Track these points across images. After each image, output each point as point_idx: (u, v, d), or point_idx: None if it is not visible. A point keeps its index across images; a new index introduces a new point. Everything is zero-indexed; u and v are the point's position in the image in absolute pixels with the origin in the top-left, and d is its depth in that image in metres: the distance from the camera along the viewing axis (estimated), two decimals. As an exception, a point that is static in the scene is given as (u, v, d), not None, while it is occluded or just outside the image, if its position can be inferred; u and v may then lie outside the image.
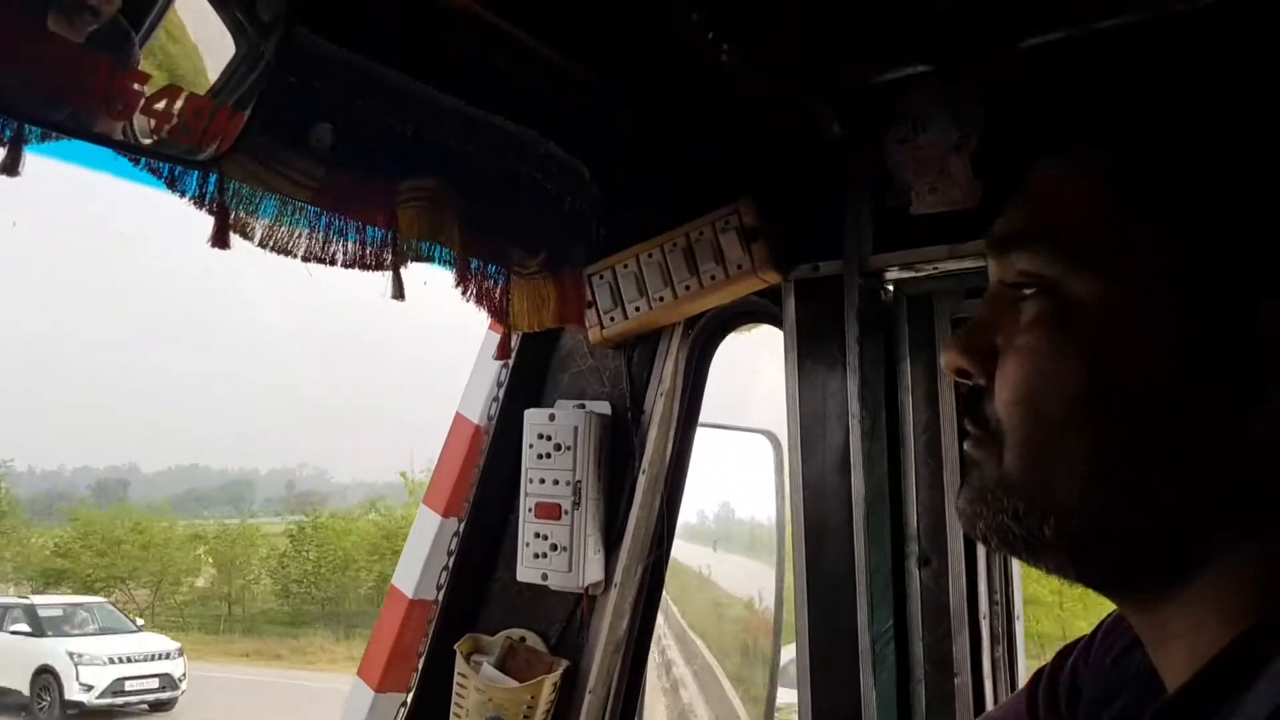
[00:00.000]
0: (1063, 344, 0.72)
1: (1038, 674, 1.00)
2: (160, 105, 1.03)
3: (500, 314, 1.51)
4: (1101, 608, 0.88)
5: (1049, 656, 0.99)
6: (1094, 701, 0.89)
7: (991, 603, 1.54)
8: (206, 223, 1.14)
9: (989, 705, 1.51)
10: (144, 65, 1.03)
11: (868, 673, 1.54)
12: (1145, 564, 0.72)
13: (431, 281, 1.43)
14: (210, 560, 31.82)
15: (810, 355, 1.68)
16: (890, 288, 1.65)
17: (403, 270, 1.31)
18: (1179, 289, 0.69)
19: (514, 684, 1.72)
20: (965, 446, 0.80)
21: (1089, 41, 1.32)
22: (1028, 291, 0.75)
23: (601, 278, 1.77)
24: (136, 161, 1.08)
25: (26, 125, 0.96)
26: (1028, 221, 0.77)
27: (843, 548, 1.61)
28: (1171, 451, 0.69)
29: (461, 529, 1.89)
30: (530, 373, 1.91)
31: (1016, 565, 1.58)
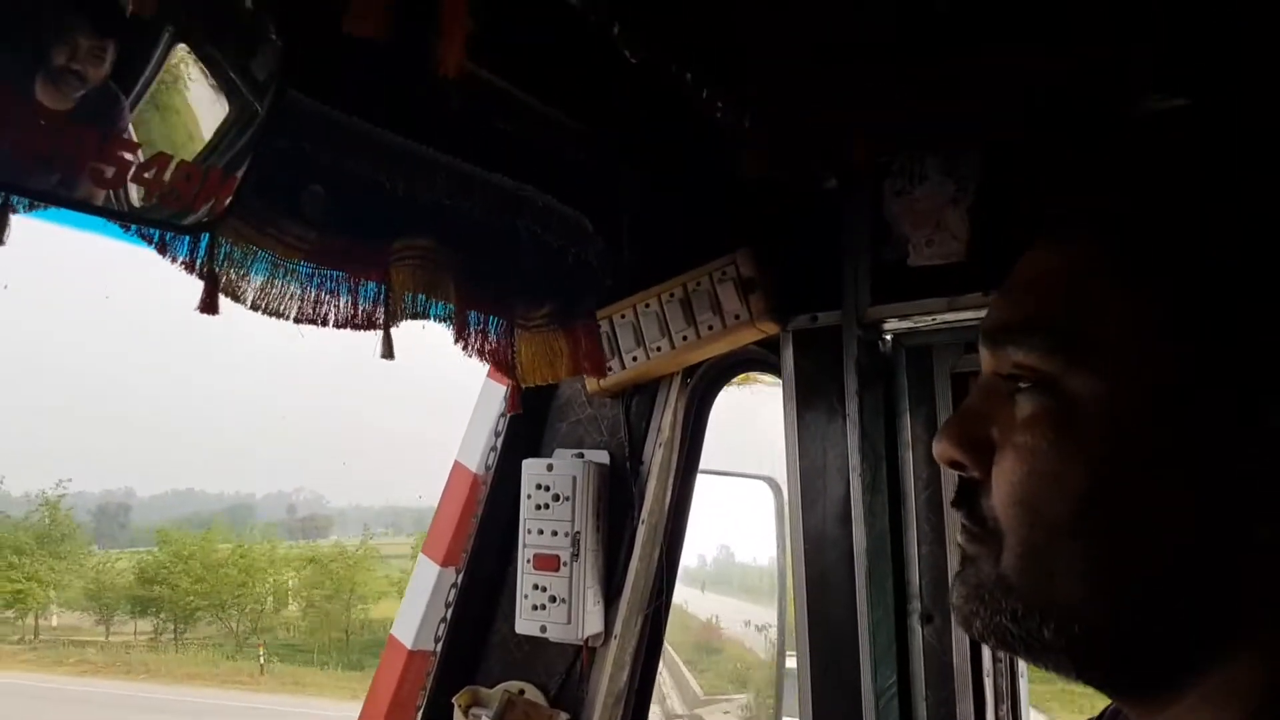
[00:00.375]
0: (1064, 445, 0.68)
1: None
2: (150, 174, 1.02)
3: (506, 368, 1.50)
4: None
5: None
6: None
7: (995, 660, 1.52)
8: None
9: (994, 766, 1.48)
10: (134, 132, 1.03)
11: (870, 731, 1.51)
12: (1149, 668, 0.70)
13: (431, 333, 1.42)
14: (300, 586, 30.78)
15: (809, 406, 1.67)
16: (889, 339, 1.64)
17: (394, 329, 1.30)
18: (1183, 381, 0.67)
19: (512, 741, 1.70)
20: (960, 540, 0.77)
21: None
22: (1024, 385, 0.71)
23: (600, 328, 1.76)
24: (127, 228, 1.07)
25: (13, 196, 0.95)
26: (1022, 312, 0.73)
27: (845, 602, 1.59)
28: (1174, 551, 0.67)
29: (460, 580, 1.87)
30: (528, 422, 1.90)
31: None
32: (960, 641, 1.51)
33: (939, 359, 1.59)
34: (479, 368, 1.96)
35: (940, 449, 0.77)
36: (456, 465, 2.07)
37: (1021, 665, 1.54)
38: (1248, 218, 0.69)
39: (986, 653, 1.51)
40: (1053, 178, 0.78)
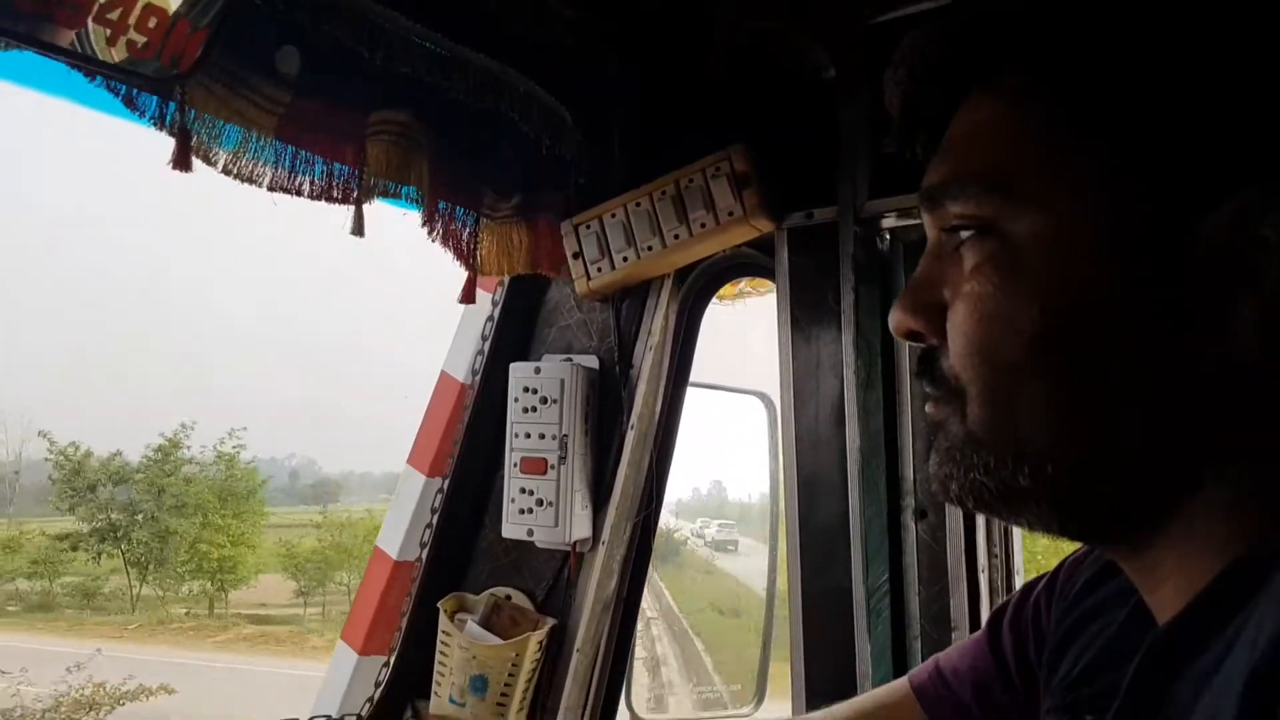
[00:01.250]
0: (1011, 286, 0.67)
1: (999, 610, 0.96)
2: (115, 14, 0.97)
3: (467, 257, 1.45)
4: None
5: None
6: (1065, 635, 0.85)
7: (990, 556, 1.49)
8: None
9: (987, 660, 1.46)
10: (96, -27, 0.98)
11: (862, 628, 1.49)
12: (1127, 502, 0.67)
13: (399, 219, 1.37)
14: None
15: (804, 306, 1.63)
16: (887, 235, 1.60)
17: (366, 206, 1.25)
18: (1127, 211, 0.64)
19: (499, 641, 1.68)
20: (927, 409, 0.74)
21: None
22: (965, 235, 0.70)
23: (588, 228, 1.72)
24: (92, 78, 1.02)
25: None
26: (956, 166, 0.71)
27: (836, 502, 1.56)
28: (1137, 382, 0.64)
29: (445, 486, 1.84)
30: (515, 327, 1.86)
31: (1015, 518, 1.53)
32: (954, 536, 1.48)
33: (937, 253, 1.55)
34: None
35: (895, 321, 0.75)
36: (443, 375, 2.02)
37: (1017, 561, 1.51)
38: (1173, 37, 0.65)
39: (981, 547, 1.49)
40: (987, 28, 0.74)
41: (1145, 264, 0.63)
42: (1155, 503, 0.66)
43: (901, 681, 1.06)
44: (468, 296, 1.58)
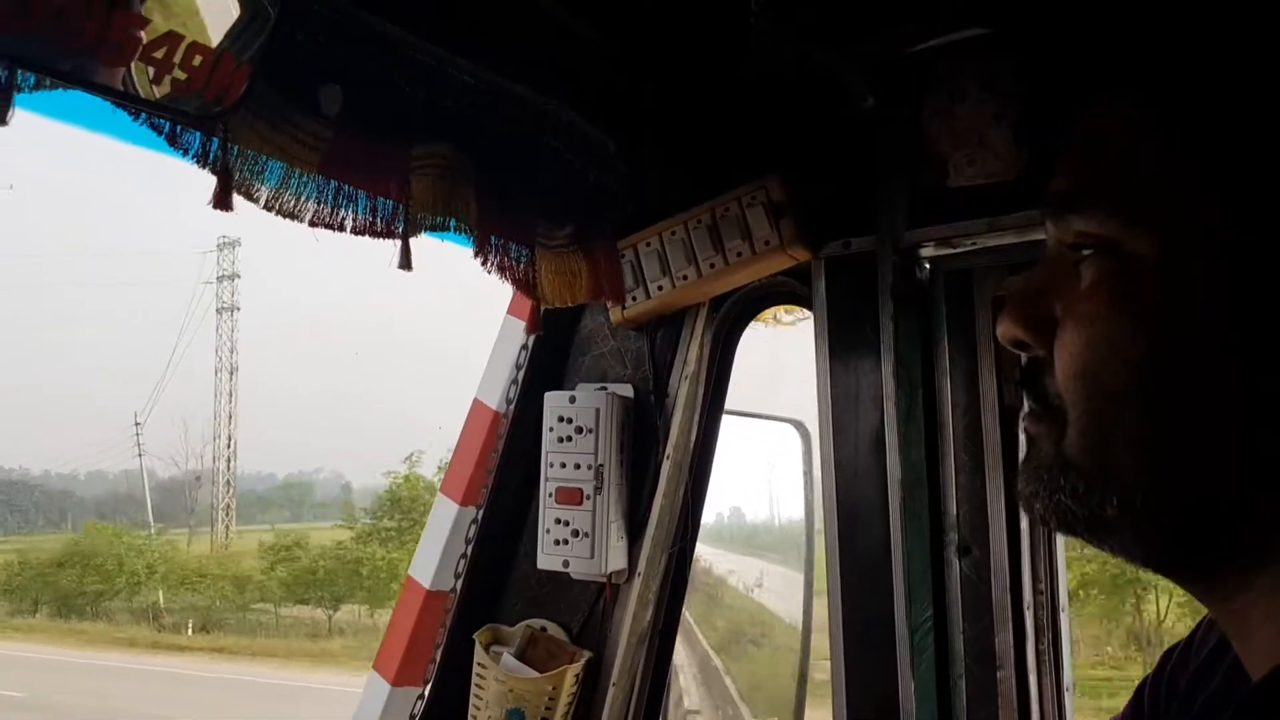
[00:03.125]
0: (1123, 309, 0.66)
1: (1143, 683, 0.93)
2: (159, 54, 0.97)
3: (526, 286, 1.44)
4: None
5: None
6: (1186, 698, 0.82)
7: (1036, 593, 1.47)
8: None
9: (1033, 699, 1.43)
10: (143, 12, 0.98)
11: (905, 665, 1.47)
12: (1212, 543, 0.65)
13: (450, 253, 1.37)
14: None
15: (842, 335, 1.62)
16: (926, 265, 1.58)
17: (412, 240, 1.25)
18: (1244, 239, 0.62)
19: (535, 674, 1.66)
20: (1024, 423, 0.74)
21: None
22: (1086, 253, 0.69)
23: (623, 256, 1.71)
24: (136, 116, 1.02)
25: (19, 70, 0.90)
26: (1080, 178, 0.70)
27: (877, 534, 1.54)
28: (1237, 423, 0.62)
29: (480, 516, 1.82)
30: (550, 355, 1.85)
31: (1061, 555, 1.51)
32: (999, 574, 1.46)
33: (979, 283, 1.53)
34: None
35: (1004, 328, 0.74)
36: (476, 403, 2.02)
37: (1062, 598, 1.48)
38: None
39: (1027, 585, 1.46)
40: (1100, 41, 0.73)
41: (1258, 297, 0.62)
42: (1243, 547, 0.65)
43: None
44: (533, 326, 1.58)
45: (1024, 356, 0.74)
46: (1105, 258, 0.67)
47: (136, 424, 45.37)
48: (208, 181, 1.08)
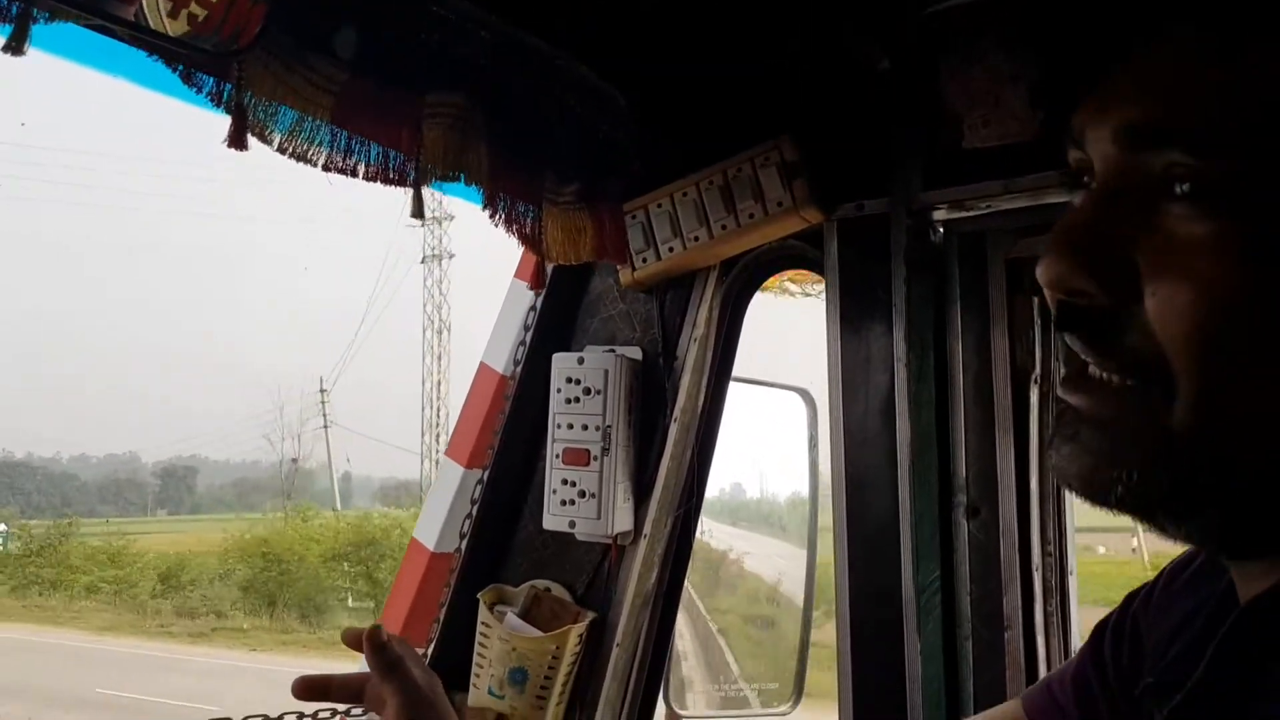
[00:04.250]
0: (1250, 265, 0.58)
1: (1104, 620, 0.93)
2: (175, -13, 0.96)
3: (532, 242, 1.43)
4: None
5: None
6: (1160, 640, 0.82)
7: (1044, 555, 1.46)
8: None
9: (1040, 661, 1.43)
10: (158, -54, 0.97)
11: (912, 627, 1.46)
12: None
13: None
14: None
15: (853, 298, 1.61)
16: (940, 227, 1.57)
17: (424, 189, 1.24)
18: None
19: (539, 634, 1.66)
20: (1079, 398, 0.66)
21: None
22: (1184, 192, 0.59)
23: (634, 217, 1.70)
24: (151, 52, 1.01)
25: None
26: (1165, 108, 0.61)
27: (885, 498, 1.53)
28: None
29: (486, 477, 1.82)
30: (558, 317, 1.84)
31: (1071, 516, 1.50)
32: (1007, 535, 1.45)
33: (993, 246, 1.53)
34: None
35: (1059, 271, 0.64)
36: (482, 366, 2.02)
37: (1070, 560, 1.48)
38: None
39: (1036, 546, 1.46)
40: None
41: None
42: None
43: (1014, 701, 1.03)
44: (537, 283, 1.57)
45: (1074, 303, 0.64)
46: (1221, 206, 0.59)
47: (322, 390, 40.38)
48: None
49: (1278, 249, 0.57)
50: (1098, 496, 0.65)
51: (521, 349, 1.85)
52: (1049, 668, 1.43)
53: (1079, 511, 1.53)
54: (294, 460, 39.24)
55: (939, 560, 1.48)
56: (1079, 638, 1.47)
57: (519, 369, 1.85)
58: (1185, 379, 0.60)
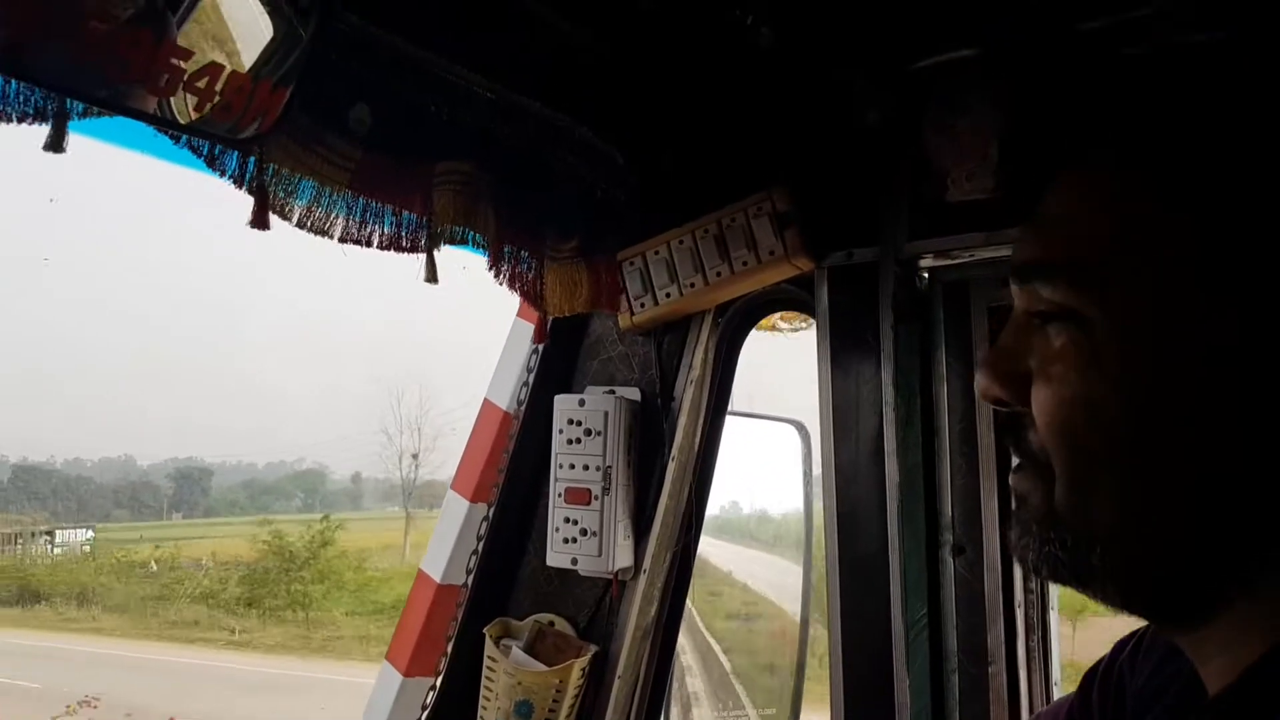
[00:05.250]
0: (1094, 374, 0.70)
1: (1094, 667, 0.99)
2: (202, 83, 1.02)
3: (534, 298, 1.50)
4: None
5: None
6: (1140, 698, 0.88)
7: (1026, 592, 1.53)
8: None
9: (1023, 694, 1.50)
10: (183, 43, 1.03)
11: (901, 661, 1.53)
12: (1184, 590, 0.72)
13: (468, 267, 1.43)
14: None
15: (843, 343, 1.67)
16: (926, 275, 1.64)
17: (436, 253, 1.30)
18: (1207, 305, 0.67)
19: (543, 668, 1.72)
20: (1012, 480, 0.79)
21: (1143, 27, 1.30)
22: (1052, 318, 0.73)
23: (633, 264, 1.76)
24: (177, 140, 1.08)
25: (69, 100, 0.95)
26: (1049, 248, 0.74)
27: (875, 535, 1.60)
28: (1208, 478, 0.68)
29: (491, 514, 1.88)
30: (560, 359, 1.91)
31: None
32: (991, 573, 1.52)
33: (976, 294, 1.59)
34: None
35: (982, 385, 0.80)
36: (486, 403, 2.08)
37: (1052, 597, 1.55)
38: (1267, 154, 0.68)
39: (1018, 584, 1.52)
40: (1082, 108, 0.80)
41: (1231, 355, 0.66)
42: (1210, 591, 0.70)
43: None
44: (540, 336, 1.64)
45: (1005, 412, 0.79)
46: (1072, 325, 0.71)
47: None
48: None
49: (1109, 361, 0.69)
50: (1024, 565, 0.77)
51: (524, 389, 1.91)
52: (1031, 702, 1.50)
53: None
54: (414, 456, 37.37)
55: (926, 597, 1.54)
56: (1059, 673, 1.54)
57: (522, 408, 1.91)
58: (1057, 465, 0.72)
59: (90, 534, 35.15)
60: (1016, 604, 1.52)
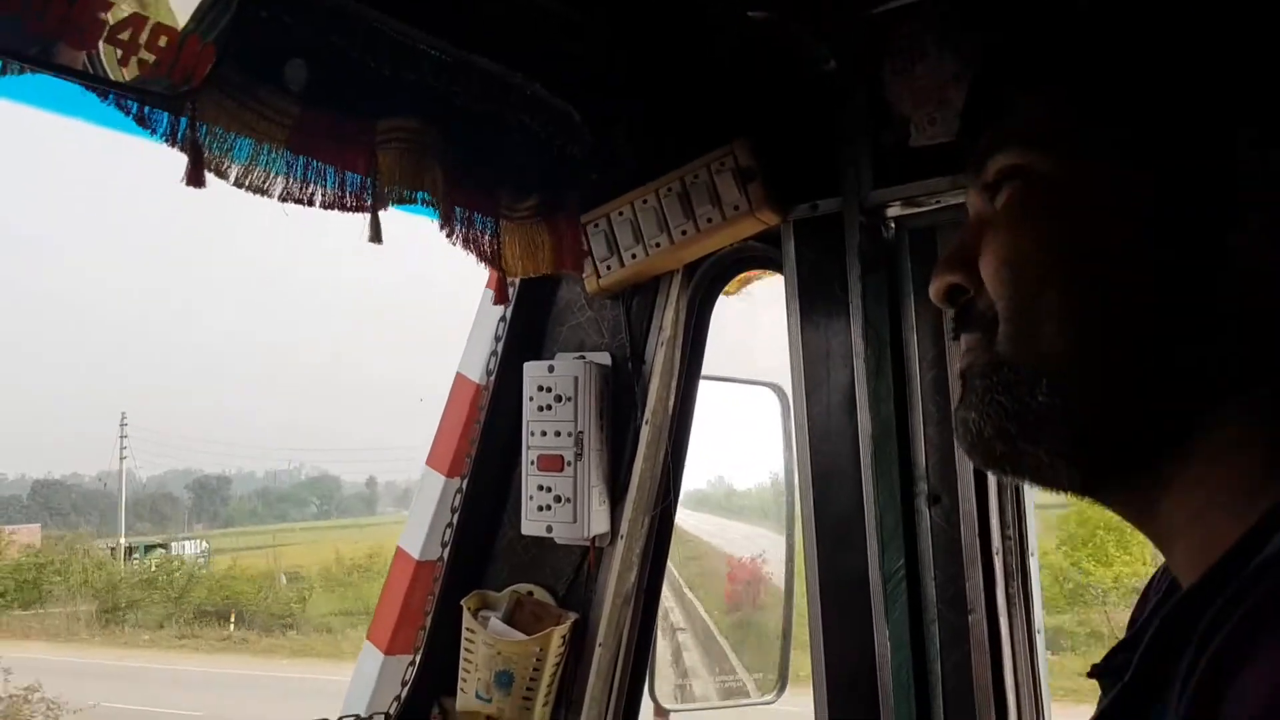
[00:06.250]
0: (1035, 212, 0.74)
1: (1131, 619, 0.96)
2: (125, 35, 1.00)
3: (491, 259, 1.48)
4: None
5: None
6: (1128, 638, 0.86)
7: (1004, 539, 1.50)
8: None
9: (1004, 641, 1.47)
10: (106, -5, 1.00)
11: (880, 613, 1.51)
12: (1134, 437, 0.70)
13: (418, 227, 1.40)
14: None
15: (812, 297, 1.65)
16: (892, 224, 1.61)
17: (382, 213, 1.28)
18: (1149, 139, 0.71)
19: (522, 637, 1.70)
20: (960, 364, 0.79)
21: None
22: (1003, 184, 0.77)
23: (597, 226, 1.74)
24: (104, 96, 1.05)
25: (-14, 56, 0.93)
26: (1000, 130, 0.79)
27: (850, 489, 1.58)
28: (1153, 300, 0.69)
29: (464, 485, 1.86)
30: (528, 326, 1.88)
31: (1029, 501, 1.54)
32: (968, 520, 1.50)
33: (943, 240, 1.56)
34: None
35: (936, 284, 0.81)
36: (458, 377, 2.06)
37: (1032, 542, 1.52)
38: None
39: (995, 531, 1.50)
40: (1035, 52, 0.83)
41: (1170, 181, 0.69)
42: (1162, 447, 0.69)
43: None
44: (500, 297, 1.62)
45: (955, 311, 0.80)
46: (1017, 180, 0.76)
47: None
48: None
49: (1051, 195, 0.74)
50: (967, 435, 0.76)
51: (493, 359, 1.89)
52: (1013, 649, 1.48)
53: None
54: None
55: (903, 548, 1.52)
56: (1041, 619, 1.51)
57: (492, 379, 1.89)
58: (999, 300, 0.74)
59: (205, 545, 34.42)
60: (994, 551, 1.49)
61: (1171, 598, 0.76)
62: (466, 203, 1.42)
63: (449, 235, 1.40)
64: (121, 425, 43.77)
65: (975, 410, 0.74)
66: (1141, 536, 0.75)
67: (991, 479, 1.51)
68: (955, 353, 1.51)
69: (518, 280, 1.85)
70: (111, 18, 0.99)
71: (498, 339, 1.89)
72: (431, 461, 2.05)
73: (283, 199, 1.19)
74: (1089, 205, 0.72)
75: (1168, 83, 0.72)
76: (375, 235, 1.26)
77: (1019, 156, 0.76)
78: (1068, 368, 0.70)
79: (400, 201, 1.31)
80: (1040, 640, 1.51)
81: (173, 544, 35.14)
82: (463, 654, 1.75)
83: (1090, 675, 0.84)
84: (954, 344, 0.80)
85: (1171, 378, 0.68)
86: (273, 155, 1.17)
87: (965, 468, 1.51)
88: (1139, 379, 0.69)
